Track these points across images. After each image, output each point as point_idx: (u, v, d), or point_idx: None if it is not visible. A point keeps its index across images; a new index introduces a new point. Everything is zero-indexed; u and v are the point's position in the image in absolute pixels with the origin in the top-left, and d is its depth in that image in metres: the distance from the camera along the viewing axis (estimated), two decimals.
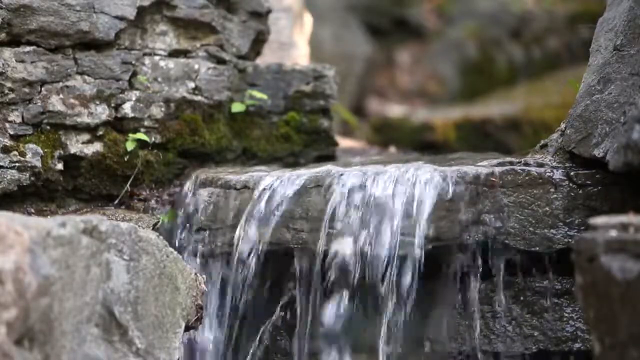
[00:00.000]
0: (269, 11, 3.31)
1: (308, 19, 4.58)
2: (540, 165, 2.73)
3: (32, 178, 2.84)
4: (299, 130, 3.25)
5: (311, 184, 2.75)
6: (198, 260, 2.82)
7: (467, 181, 2.67)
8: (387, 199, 2.68)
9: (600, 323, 1.95)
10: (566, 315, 2.67)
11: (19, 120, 2.85)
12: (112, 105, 2.97)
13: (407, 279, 2.64)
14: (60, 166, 2.91)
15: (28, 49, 2.86)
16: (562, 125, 2.84)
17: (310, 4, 5.20)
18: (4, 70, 2.82)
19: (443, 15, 7.59)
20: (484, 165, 2.73)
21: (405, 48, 7.31)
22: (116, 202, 3.00)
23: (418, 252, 2.63)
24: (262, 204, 2.75)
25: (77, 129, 2.94)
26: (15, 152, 2.82)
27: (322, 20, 6.05)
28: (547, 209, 2.66)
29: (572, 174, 2.69)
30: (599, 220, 2.00)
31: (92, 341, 2.12)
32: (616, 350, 1.91)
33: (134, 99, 3.01)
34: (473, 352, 2.69)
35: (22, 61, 2.85)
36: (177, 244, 2.86)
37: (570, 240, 2.62)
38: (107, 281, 2.17)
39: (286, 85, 3.26)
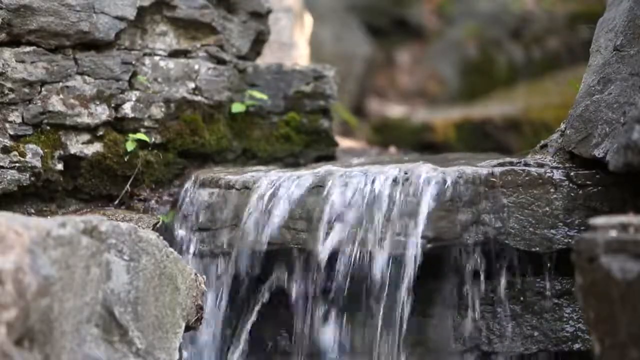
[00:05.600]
0: (269, 11, 3.31)
1: (308, 20, 4.58)
2: (540, 165, 2.73)
3: (32, 178, 2.84)
4: (299, 130, 3.25)
5: (311, 184, 2.75)
6: (198, 260, 2.82)
7: (467, 181, 2.67)
8: (387, 199, 2.68)
9: (600, 323, 1.95)
10: (566, 315, 2.67)
11: (19, 120, 2.85)
12: (112, 105, 2.97)
13: (406, 279, 2.64)
14: (60, 166, 2.91)
15: (28, 49, 2.86)
16: (562, 126, 2.84)
17: (310, 4, 5.20)
18: (4, 71, 2.82)
19: (443, 15, 7.59)
20: (484, 166, 2.73)
21: (405, 48, 7.31)
22: (116, 202, 3.00)
23: (418, 252, 2.63)
24: (262, 204, 2.75)
25: (77, 129, 2.94)
26: (15, 153, 2.82)
27: (322, 20, 6.05)
28: (547, 209, 2.66)
29: (572, 174, 2.69)
30: (599, 220, 2.00)
31: (92, 341, 2.12)
32: (616, 350, 1.91)
33: (134, 99, 3.01)
34: (473, 352, 2.69)
35: (22, 61, 2.85)
36: (177, 244, 2.86)
37: (570, 240, 2.62)
38: (107, 281, 2.17)
39: (286, 86, 3.26)
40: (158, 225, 2.88)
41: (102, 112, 2.96)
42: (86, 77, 2.94)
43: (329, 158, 3.27)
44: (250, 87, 3.24)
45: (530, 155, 2.88)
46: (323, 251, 2.68)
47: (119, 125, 3.01)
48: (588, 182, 2.68)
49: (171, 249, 2.33)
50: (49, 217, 2.83)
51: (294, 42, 4.35)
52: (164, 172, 3.07)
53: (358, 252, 2.66)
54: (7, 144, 2.82)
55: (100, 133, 2.97)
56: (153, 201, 3.03)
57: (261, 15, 3.29)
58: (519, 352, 2.67)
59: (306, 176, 2.77)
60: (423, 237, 2.64)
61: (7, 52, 2.83)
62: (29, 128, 2.87)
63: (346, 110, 5.42)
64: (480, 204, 2.66)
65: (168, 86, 3.08)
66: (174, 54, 3.11)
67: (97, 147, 2.97)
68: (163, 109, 3.06)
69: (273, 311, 2.79)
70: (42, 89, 2.88)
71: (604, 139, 2.64)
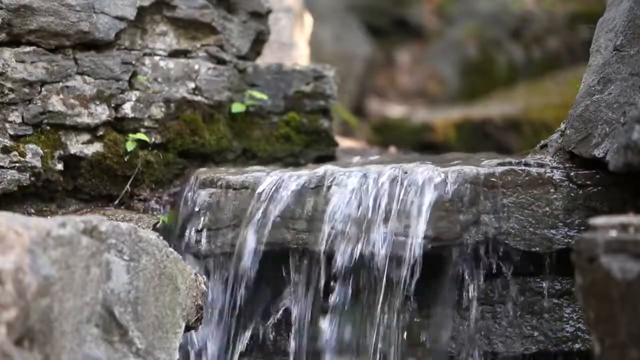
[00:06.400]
0: (269, 11, 3.31)
1: (308, 20, 4.58)
2: (540, 165, 2.73)
3: (32, 178, 2.84)
4: (299, 130, 3.25)
5: (311, 184, 2.75)
6: (198, 260, 2.82)
7: (467, 181, 2.67)
8: (387, 200, 2.68)
9: (600, 323, 1.95)
10: (566, 315, 2.67)
11: (19, 120, 2.85)
12: (112, 105, 2.97)
13: (407, 279, 2.64)
14: (60, 166, 2.91)
15: (28, 49, 2.86)
16: (562, 126, 2.84)
17: (310, 4, 5.20)
18: (4, 71, 2.82)
19: (443, 15, 7.59)
20: (484, 166, 2.73)
21: (405, 48, 7.31)
22: (116, 202, 3.00)
23: (418, 252, 2.63)
24: (262, 204, 2.75)
25: (77, 129, 2.94)
26: (15, 153, 2.82)
27: (322, 20, 6.05)
28: (547, 209, 2.66)
29: (572, 174, 2.69)
30: (599, 220, 2.00)
31: (92, 341, 2.12)
32: (616, 350, 1.91)
33: (134, 99, 3.01)
34: (473, 352, 2.69)
35: (22, 61, 2.85)
36: (176, 244, 2.86)
37: (570, 240, 2.62)
38: (107, 281, 2.17)
39: (286, 86, 3.26)
40: (158, 225, 2.88)
41: (102, 112, 2.96)
42: (86, 77, 2.94)
43: (329, 158, 3.27)
44: (250, 87, 3.24)
45: (530, 155, 2.88)
46: (323, 251, 2.68)
47: (119, 125, 3.01)
48: (588, 182, 2.68)
49: (171, 249, 2.33)
50: (49, 217, 2.82)
51: (294, 42, 4.35)
52: (164, 172, 3.07)
53: (358, 252, 2.66)
54: (7, 144, 2.82)
55: (100, 133, 2.97)
56: (153, 201, 3.03)
57: (261, 15, 3.29)
58: (519, 352, 2.67)
59: (306, 176, 2.77)
60: (423, 237, 2.64)
61: (7, 52, 2.83)
62: (29, 128, 2.87)
63: (346, 110, 5.42)
64: (480, 204, 2.66)
65: (168, 86, 3.08)
66: (174, 54, 3.11)
67: (97, 147, 2.97)
68: (163, 109, 3.06)
69: (273, 310, 2.79)
70: (42, 89, 2.88)
71: (604, 139, 2.64)
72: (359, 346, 2.72)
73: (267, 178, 2.80)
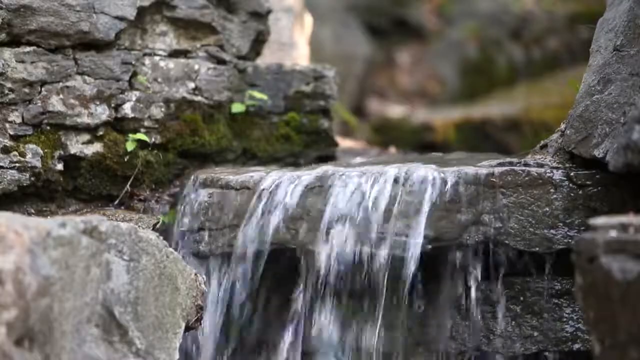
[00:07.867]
0: (269, 11, 3.31)
1: (308, 19, 4.58)
2: (540, 165, 2.73)
3: (32, 178, 2.84)
4: (299, 130, 3.25)
5: (311, 184, 2.75)
6: (198, 260, 2.82)
7: (467, 181, 2.67)
8: (387, 199, 2.67)
9: (600, 323, 1.95)
10: (566, 315, 2.67)
11: (19, 120, 2.85)
12: (112, 105, 2.97)
13: (406, 279, 2.64)
14: (60, 166, 2.91)
15: (28, 49, 2.86)
16: (562, 126, 2.84)
17: (310, 4, 5.20)
18: (4, 71, 2.82)
19: (443, 15, 7.59)
20: (484, 166, 2.73)
21: (405, 48, 7.31)
22: (116, 202, 3.00)
23: (418, 252, 2.63)
24: (262, 204, 2.75)
25: (77, 129, 2.94)
26: (15, 153, 2.82)
27: (322, 20, 6.05)
28: (547, 209, 2.66)
29: (572, 174, 2.69)
30: (598, 220, 2.00)
31: (92, 341, 2.12)
32: (616, 350, 1.92)
33: (134, 99, 3.01)
34: (473, 352, 2.69)
35: (22, 61, 2.85)
36: (177, 245, 2.86)
37: (570, 240, 2.62)
38: (107, 281, 2.17)
39: (286, 86, 3.26)
40: (158, 225, 2.88)
41: (102, 112, 2.96)
42: (86, 77, 2.94)
43: (329, 158, 3.27)
44: (250, 87, 3.24)
45: (530, 155, 2.88)
46: (323, 251, 2.68)
47: (119, 125, 3.01)
48: (588, 182, 2.68)
49: (171, 249, 2.33)
50: (49, 217, 2.83)
51: (294, 42, 4.35)
52: (164, 172, 3.07)
53: (358, 252, 2.66)
54: (7, 144, 2.82)
55: (100, 133, 2.97)
56: (153, 201, 3.03)
57: (261, 15, 3.29)
58: (518, 352, 2.67)
59: (306, 176, 2.77)
60: (423, 237, 2.64)
61: (7, 52, 2.83)
62: (29, 128, 2.87)
63: (346, 110, 5.42)
64: (480, 204, 2.66)
65: (168, 86, 3.08)
66: (174, 54, 3.11)
67: (97, 147, 2.97)
68: (163, 109, 3.06)
69: (273, 311, 2.79)
70: (42, 89, 2.88)
71: (604, 139, 2.64)
72: (359, 346, 2.72)
73: (267, 178, 2.80)
